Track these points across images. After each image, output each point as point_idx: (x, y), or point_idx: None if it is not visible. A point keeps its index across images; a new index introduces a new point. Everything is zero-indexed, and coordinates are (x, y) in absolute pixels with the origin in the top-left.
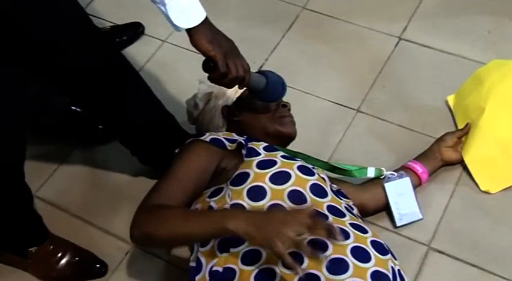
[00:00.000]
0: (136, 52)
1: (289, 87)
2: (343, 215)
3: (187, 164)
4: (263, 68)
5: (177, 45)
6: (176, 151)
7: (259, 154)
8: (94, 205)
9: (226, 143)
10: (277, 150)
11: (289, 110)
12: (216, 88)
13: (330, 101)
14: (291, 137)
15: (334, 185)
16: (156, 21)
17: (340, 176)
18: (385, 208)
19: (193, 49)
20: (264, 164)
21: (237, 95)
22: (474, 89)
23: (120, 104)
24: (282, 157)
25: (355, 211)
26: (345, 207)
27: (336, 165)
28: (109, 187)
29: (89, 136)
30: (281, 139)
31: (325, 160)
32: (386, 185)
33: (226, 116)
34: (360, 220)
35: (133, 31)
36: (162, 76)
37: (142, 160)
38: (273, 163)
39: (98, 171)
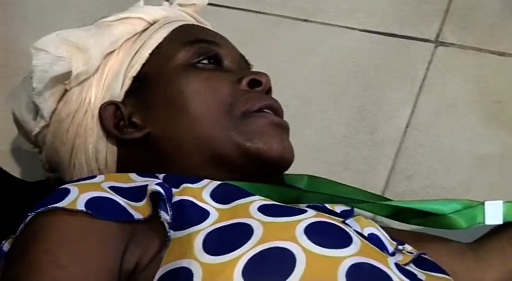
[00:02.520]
0: None
1: (266, 14)
2: None
3: None
4: None
5: None
6: (4, 246)
7: (204, 215)
8: None
9: (125, 204)
10: (248, 194)
11: (268, 91)
12: (81, 59)
13: (373, 32)
14: (276, 166)
15: (410, 250)
16: None
17: (420, 227)
18: None
19: None
20: (221, 241)
21: (133, 72)
22: None
23: None
24: (263, 209)
25: None
26: None
27: (408, 205)
28: None
29: None
30: (255, 169)
31: (375, 193)
32: None
33: (114, 127)
34: None
35: None
36: None
37: None
38: (244, 233)
39: None
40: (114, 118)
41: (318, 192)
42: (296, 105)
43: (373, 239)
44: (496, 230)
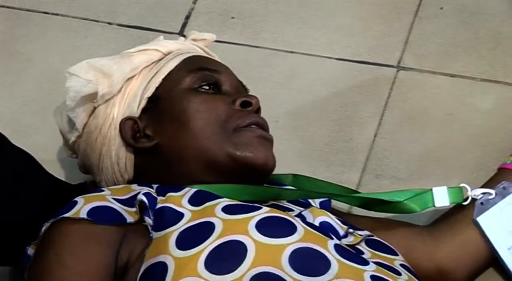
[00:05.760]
0: None
1: (261, 48)
2: None
3: None
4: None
5: None
6: (28, 250)
7: (180, 217)
8: None
9: (121, 210)
10: (217, 197)
11: (257, 111)
12: (106, 82)
13: (347, 60)
14: (261, 170)
15: (361, 233)
16: None
17: (385, 214)
18: (491, 263)
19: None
20: (190, 238)
21: (148, 94)
22: None
23: None
24: (226, 209)
25: (403, 277)
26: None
27: (371, 196)
28: None
29: None
30: (243, 174)
31: (350, 188)
32: (481, 220)
33: (131, 138)
34: None
35: None
36: None
37: None
38: (207, 229)
39: None
40: (132, 130)
41: (294, 189)
42: (286, 120)
43: (324, 226)
44: (446, 213)
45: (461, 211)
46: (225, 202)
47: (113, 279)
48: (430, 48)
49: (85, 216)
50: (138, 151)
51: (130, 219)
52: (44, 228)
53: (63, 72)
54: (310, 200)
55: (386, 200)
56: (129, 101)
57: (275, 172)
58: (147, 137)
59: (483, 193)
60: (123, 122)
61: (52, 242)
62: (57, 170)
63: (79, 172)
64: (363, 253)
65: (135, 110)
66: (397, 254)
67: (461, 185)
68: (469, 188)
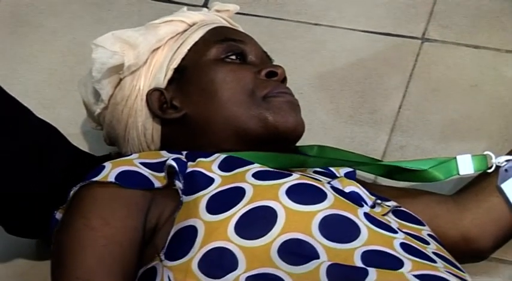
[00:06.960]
0: None
1: (285, 20)
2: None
3: (87, 249)
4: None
5: None
6: (56, 215)
7: (210, 182)
8: None
9: (149, 175)
10: (248, 163)
11: (283, 81)
12: (132, 54)
13: (371, 32)
14: (291, 135)
15: (388, 203)
16: None
17: (409, 183)
18: None
19: None
20: (220, 202)
21: (174, 65)
22: None
23: None
24: (256, 175)
25: (432, 246)
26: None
27: (396, 165)
28: None
29: None
30: (273, 140)
31: (373, 157)
32: (505, 186)
33: (158, 109)
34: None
35: None
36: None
37: (12, 229)
38: (238, 195)
39: None
40: (158, 101)
41: (320, 157)
42: (310, 92)
43: (352, 195)
44: (471, 181)
45: (486, 179)
46: (255, 168)
47: (141, 242)
48: (454, 20)
49: (113, 180)
50: (165, 121)
51: (158, 184)
52: (72, 192)
53: (87, 45)
54: (335, 172)
55: (411, 169)
56: (155, 72)
57: (300, 143)
58: (174, 108)
59: (507, 160)
60: (149, 94)
61: (80, 206)
62: (81, 143)
63: (103, 144)
64: (390, 223)
65: (162, 81)
66: (423, 225)
67: (486, 152)
68: (493, 156)
